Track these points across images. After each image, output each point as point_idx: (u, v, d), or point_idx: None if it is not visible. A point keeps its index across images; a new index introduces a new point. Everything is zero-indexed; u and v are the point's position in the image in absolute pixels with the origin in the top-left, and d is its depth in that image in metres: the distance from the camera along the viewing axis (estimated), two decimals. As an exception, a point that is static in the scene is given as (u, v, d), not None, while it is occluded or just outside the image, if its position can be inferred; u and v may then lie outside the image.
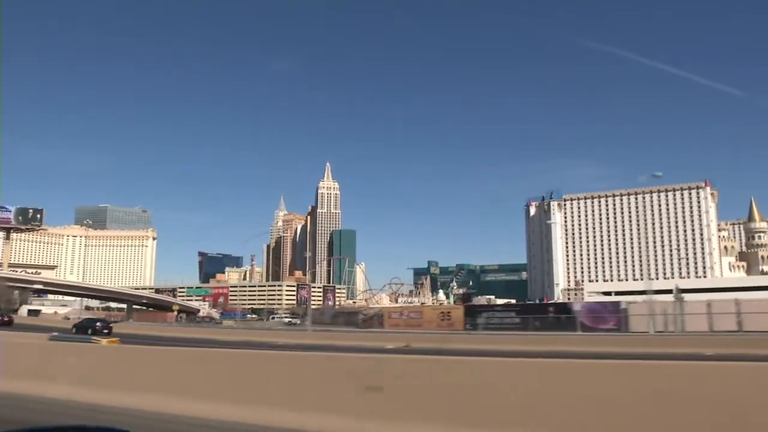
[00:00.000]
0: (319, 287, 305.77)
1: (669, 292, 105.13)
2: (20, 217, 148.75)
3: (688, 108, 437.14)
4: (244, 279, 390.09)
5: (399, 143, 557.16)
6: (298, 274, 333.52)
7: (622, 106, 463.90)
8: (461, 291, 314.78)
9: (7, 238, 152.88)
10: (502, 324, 56.20)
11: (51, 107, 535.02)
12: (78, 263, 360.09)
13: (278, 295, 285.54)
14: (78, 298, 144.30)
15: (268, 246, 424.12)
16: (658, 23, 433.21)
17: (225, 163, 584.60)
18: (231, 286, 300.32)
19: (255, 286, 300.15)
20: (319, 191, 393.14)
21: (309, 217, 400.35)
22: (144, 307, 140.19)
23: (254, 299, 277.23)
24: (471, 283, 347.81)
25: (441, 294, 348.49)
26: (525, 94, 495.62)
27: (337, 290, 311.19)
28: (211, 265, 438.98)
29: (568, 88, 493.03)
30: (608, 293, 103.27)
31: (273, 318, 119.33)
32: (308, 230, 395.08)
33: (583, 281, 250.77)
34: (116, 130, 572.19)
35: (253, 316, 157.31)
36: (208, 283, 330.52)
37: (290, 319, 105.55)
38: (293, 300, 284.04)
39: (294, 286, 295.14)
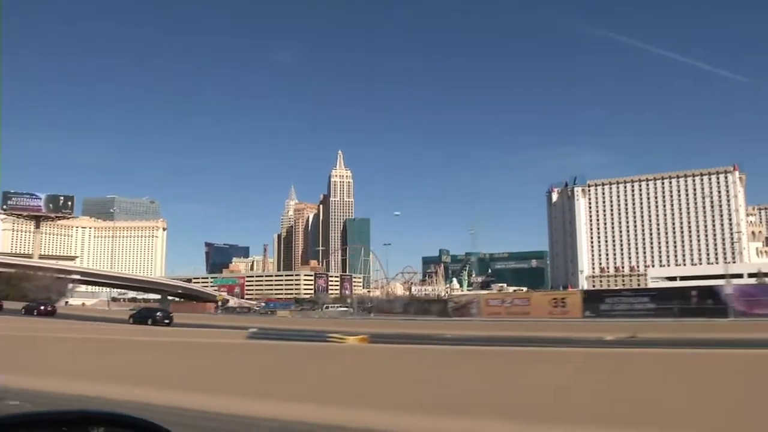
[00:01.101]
0: (336, 276, 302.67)
1: (737, 276, 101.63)
2: (50, 205, 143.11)
3: (692, 94, 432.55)
4: (251, 269, 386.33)
5: (403, 132, 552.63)
6: (313, 263, 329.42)
7: (624, 93, 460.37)
8: (480, 279, 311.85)
9: (37, 226, 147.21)
10: (632, 310, 52.18)
11: (54, 100, 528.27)
12: (88, 254, 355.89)
13: (296, 284, 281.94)
14: (103, 289, 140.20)
15: (279, 236, 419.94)
16: (659, 10, 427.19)
17: (231, 154, 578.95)
18: (247, 276, 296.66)
19: (272, 276, 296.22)
20: (332, 179, 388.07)
21: (321, 205, 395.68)
22: (176, 298, 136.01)
23: (271, 289, 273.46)
24: (489, 271, 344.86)
25: (455, 282, 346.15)
26: (530, 84, 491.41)
27: (354, 279, 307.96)
28: (217, 256, 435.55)
29: (570, 77, 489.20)
30: (673, 278, 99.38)
31: (327, 308, 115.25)
32: (320, 219, 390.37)
33: (608, 268, 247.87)
34: (119, 121, 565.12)
35: (295, 306, 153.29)
36: (221, 273, 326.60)
37: (345, 309, 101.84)
38: (311, 289, 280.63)
39: (311, 275, 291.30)
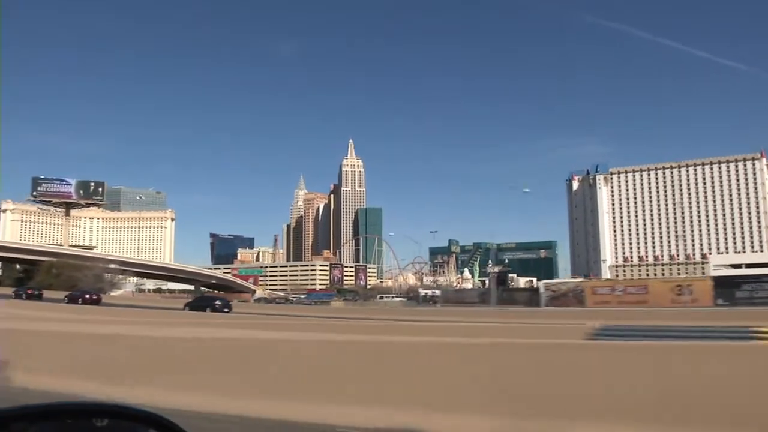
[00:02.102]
0: (350, 266, 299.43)
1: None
2: (81, 191, 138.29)
3: (693, 82, 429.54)
4: (257, 260, 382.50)
5: (406, 124, 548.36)
6: (327, 253, 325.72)
7: (622, 82, 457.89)
8: (496, 269, 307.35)
9: (67, 214, 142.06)
10: (777, 298, 48.55)
11: (58, 92, 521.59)
12: (97, 245, 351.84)
13: (311, 275, 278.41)
14: (131, 279, 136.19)
15: (288, 226, 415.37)
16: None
17: (237, 145, 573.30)
18: (262, 267, 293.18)
19: (286, 266, 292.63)
20: (343, 169, 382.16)
21: (332, 195, 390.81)
22: (208, 289, 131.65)
23: (285, 279, 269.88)
24: (506, 261, 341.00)
25: (466, 272, 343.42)
26: (534, 74, 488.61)
27: (368, 269, 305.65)
28: (222, 247, 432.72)
29: (570, 67, 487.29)
30: (738, 266, 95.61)
31: (382, 298, 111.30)
32: (332, 209, 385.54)
33: (632, 257, 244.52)
34: (122, 114, 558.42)
35: (338, 296, 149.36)
36: (231, 264, 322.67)
37: (401, 300, 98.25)
38: (326, 280, 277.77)
39: (327, 265, 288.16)
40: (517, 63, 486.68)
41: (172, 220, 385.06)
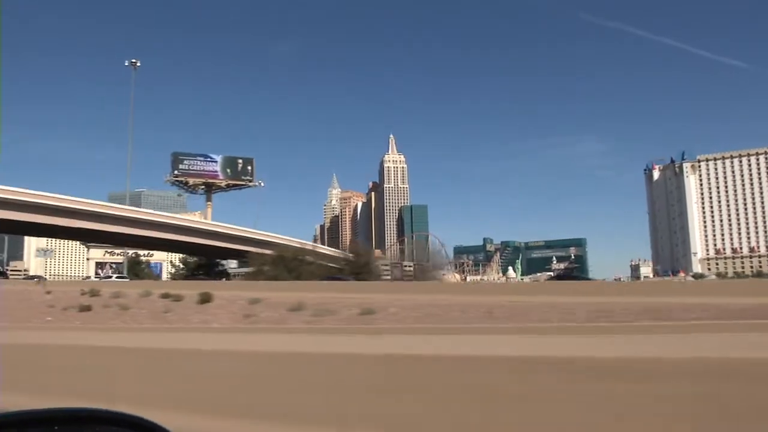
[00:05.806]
0: (409, 265, 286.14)
1: None
2: (228, 170, 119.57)
3: (692, 81, 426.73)
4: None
5: (422, 123, 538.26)
6: (377, 252, 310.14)
7: (624, 81, 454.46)
8: (562, 266, 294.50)
9: (209, 199, 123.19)
10: None
11: (71, 99, 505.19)
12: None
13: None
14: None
15: (322, 226, 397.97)
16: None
17: (253, 146, 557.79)
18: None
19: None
20: (385, 165, 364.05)
21: (373, 193, 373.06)
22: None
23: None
24: (572, 258, 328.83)
25: (510, 271, 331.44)
26: (536, 73, 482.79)
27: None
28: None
29: (573, 66, 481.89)
30: None
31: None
32: (373, 207, 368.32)
33: (724, 249, 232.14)
34: (143, 112, 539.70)
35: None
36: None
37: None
38: (387, 279, 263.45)
39: (387, 264, 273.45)
40: (519, 63, 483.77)
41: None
